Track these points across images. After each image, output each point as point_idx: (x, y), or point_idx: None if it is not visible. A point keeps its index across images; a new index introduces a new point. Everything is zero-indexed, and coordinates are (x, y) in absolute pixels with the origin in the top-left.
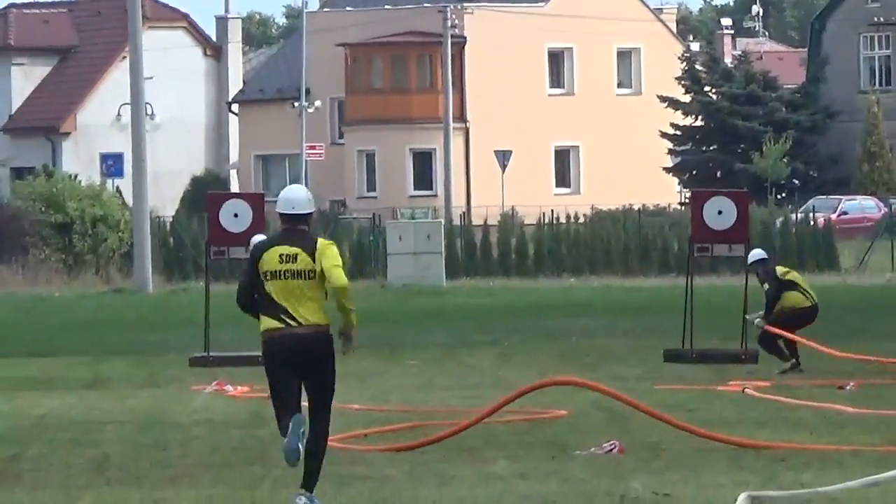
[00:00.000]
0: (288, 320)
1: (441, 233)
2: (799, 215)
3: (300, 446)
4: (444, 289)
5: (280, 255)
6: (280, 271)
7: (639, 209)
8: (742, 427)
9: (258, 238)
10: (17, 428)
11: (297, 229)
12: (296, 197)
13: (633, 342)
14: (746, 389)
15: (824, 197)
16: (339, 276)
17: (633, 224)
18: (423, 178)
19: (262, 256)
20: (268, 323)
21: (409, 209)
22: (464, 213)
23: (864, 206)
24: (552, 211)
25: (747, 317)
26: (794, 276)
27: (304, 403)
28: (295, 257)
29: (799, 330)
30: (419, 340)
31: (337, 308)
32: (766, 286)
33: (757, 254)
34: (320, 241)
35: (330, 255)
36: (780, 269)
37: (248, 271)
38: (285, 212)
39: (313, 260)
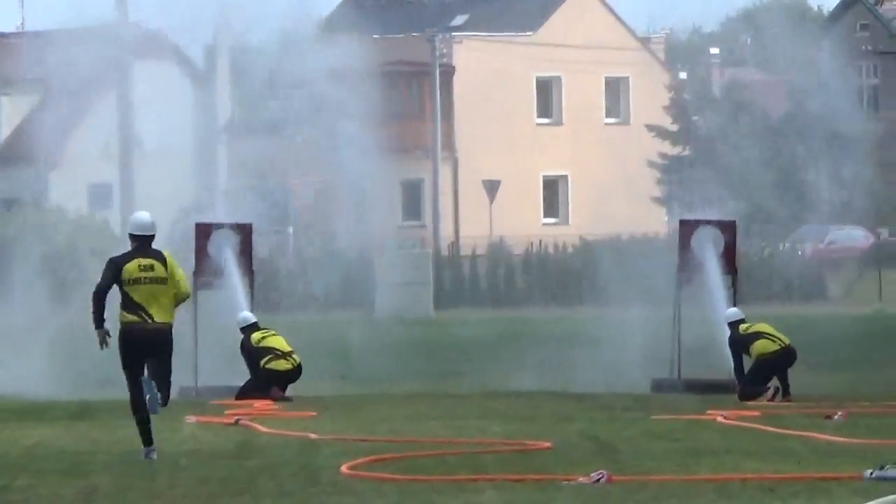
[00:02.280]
0: (144, 316)
1: (429, 263)
2: (786, 245)
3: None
4: (432, 319)
5: (139, 265)
6: (140, 278)
7: (627, 239)
8: (729, 457)
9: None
10: (6, 458)
11: (149, 246)
12: (143, 221)
13: (621, 372)
14: (719, 418)
15: (812, 226)
16: (187, 286)
17: (622, 254)
18: (412, 208)
19: (123, 266)
20: (126, 317)
21: (396, 240)
22: (452, 243)
23: (852, 235)
24: (540, 241)
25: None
26: (758, 327)
27: None
28: (151, 267)
29: (780, 373)
30: (407, 371)
31: (175, 304)
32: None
33: (731, 315)
34: (167, 254)
35: (179, 268)
36: (742, 326)
37: (109, 276)
38: (138, 233)
39: (165, 269)
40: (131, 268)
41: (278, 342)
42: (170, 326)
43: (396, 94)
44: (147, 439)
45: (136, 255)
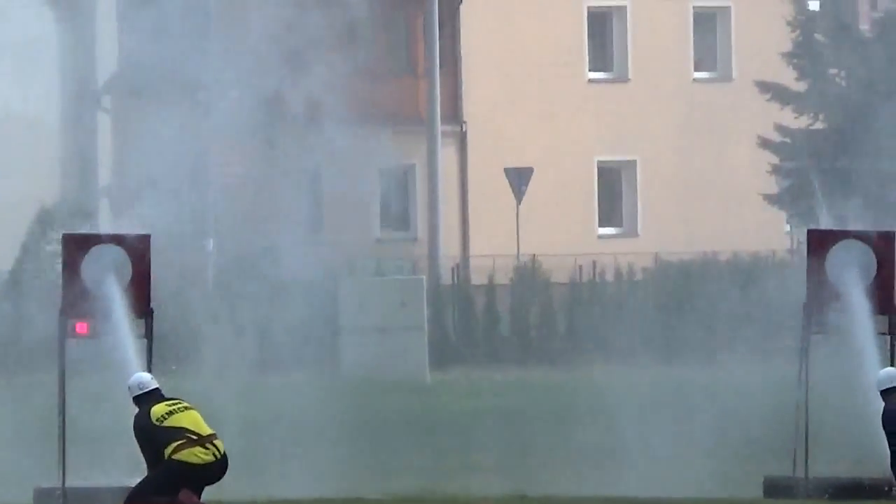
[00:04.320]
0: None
1: (423, 297)
2: None
3: None
4: (426, 384)
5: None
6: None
7: (727, 259)
8: None
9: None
10: None
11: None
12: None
13: (720, 465)
14: None
15: None
16: None
17: (720, 282)
18: (395, 211)
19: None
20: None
21: (373, 260)
22: (457, 265)
23: None
24: (594, 263)
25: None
26: None
27: None
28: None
29: None
30: (389, 462)
31: None
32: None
33: (886, 379)
34: None
35: None
36: None
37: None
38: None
39: None
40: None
41: (191, 420)
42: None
43: (372, 33)
44: None
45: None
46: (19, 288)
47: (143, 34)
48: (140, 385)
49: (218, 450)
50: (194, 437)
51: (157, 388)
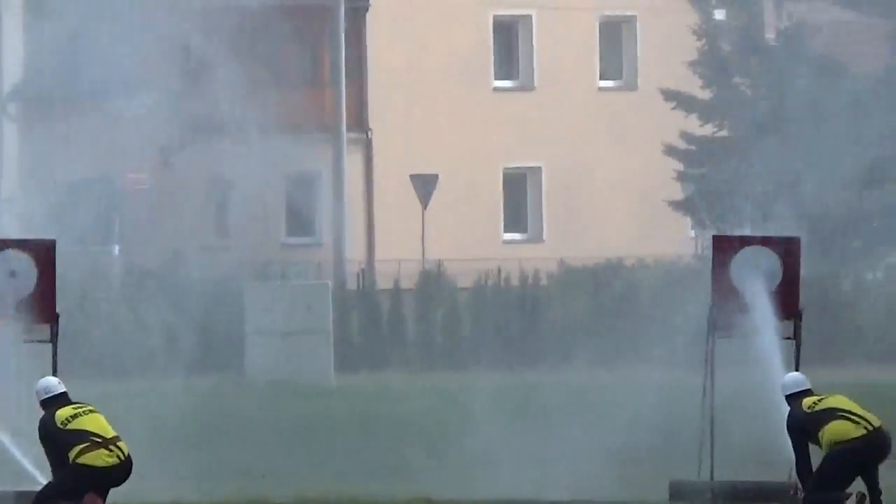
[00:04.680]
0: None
1: (328, 301)
2: (877, 275)
3: None
4: (332, 388)
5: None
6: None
7: (632, 264)
8: None
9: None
10: None
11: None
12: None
13: (625, 469)
14: None
15: None
16: None
17: (623, 287)
18: (301, 217)
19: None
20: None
21: (278, 265)
22: (363, 270)
23: None
24: (499, 269)
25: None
26: (832, 401)
27: None
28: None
29: (867, 470)
30: (295, 466)
31: None
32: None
33: (791, 384)
34: None
35: None
36: (808, 401)
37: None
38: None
39: None
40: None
41: (96, 423)
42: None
43: (280, 41)
44: None
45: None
46: None
47: (48, 42)
48: (46, 389)
49: (122, 452)
50: (98, 440)
51: (63, 393)
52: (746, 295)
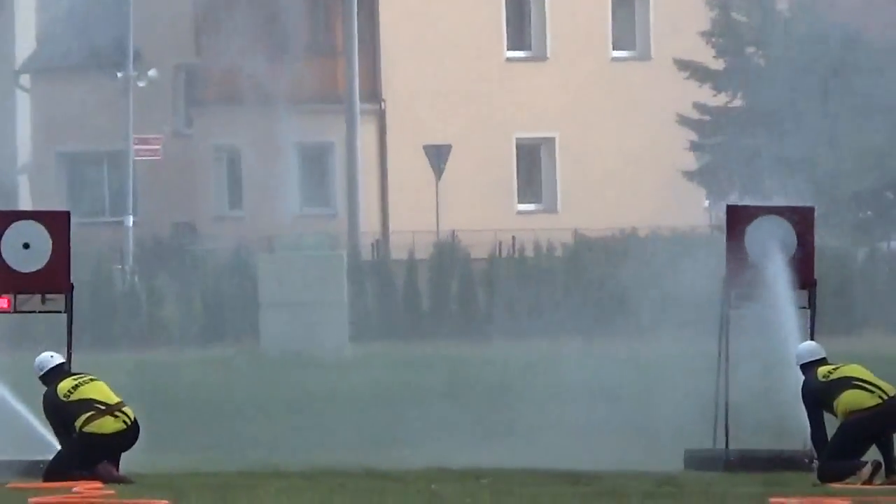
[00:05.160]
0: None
1: (343, 272)
2: (893, 244)
3: None
4: (346, 359)
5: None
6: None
7: (646, 235)
8: None
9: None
10: None
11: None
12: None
13: (641, 439)
14: None
15: None
16: None
17: (639, 258)
18: (315, 187)
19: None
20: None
21: (293, 235)
22: (377, 241)
23: None
24: (513, 238)
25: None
26: (847, 370)
27: None
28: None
29: (883, 439)
30: (309, 436)
31: None
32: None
33: (806, 352)
34: None
35: None
36: (823, 370)
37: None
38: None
39: None
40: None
41: (99, 391)
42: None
43: (292, 14)
44: None
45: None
46: None
47: (60, 14)
48: (41, 365)
49: (128, 416)
50: (102, 408)
51: (60, 364)
52: (760, 265)
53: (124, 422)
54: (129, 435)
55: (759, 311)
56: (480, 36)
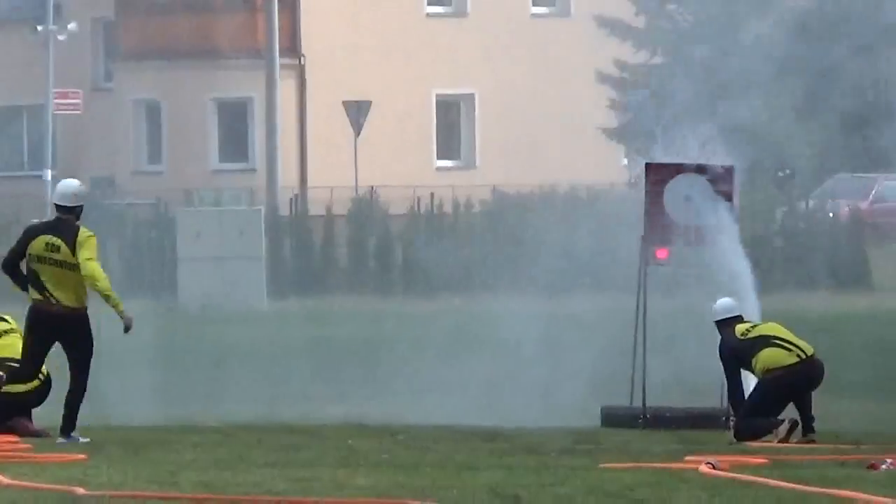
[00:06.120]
0: (49, 297)
1: (261, 227)
2: (811, 202)
3: None
4: (264, 313)
5: (46, 244)
6: (44, 257)
7: (564, 192)
8: None
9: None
10: None
11: (64, 220)
12: (64, 191)
13: (553, 398)
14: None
15: (851, 175)
16: (89, 269)
17: (557, 215)
18: (234, 142)
19: (32, 240)
20: (34, 294)
21: (211, 190)
22: (295, 196)
23: None
24: (432, 195)
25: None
26: (764, 328)
27: None
28: (58, 248)
29: (799, 398)
30: (224, 391)
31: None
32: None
33: (721, 309)
34: (82, 231)
35: (87, 247)
36: (740, 328)
37: (18, 248)
38: (56, 202)
39: (73, 252)
40: (38, 244)
41: (13, 350)
42: (81, 311)
43: None
44: (62, 427)
45: (48, 230)
46: None
47: None
48: None
49: (43, 373)
50: (16, 366)
51: None
52: (679, 222)
53: (38, 378)
54: (44, 390)
55: (676, 268)
56: None
